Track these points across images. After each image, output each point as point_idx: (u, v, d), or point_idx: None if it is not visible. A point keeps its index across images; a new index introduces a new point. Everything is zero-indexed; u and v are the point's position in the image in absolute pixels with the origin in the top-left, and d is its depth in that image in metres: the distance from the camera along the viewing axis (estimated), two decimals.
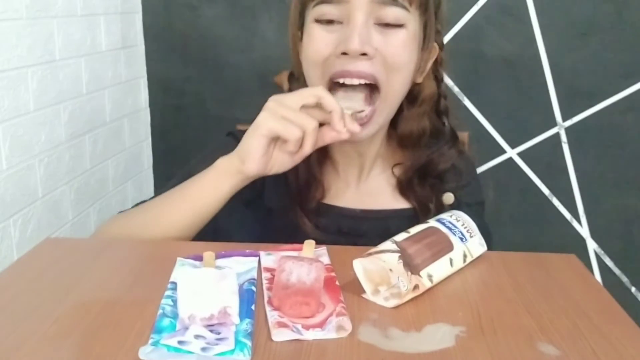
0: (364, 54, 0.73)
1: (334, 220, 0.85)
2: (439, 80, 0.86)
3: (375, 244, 0.65)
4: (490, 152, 1.96)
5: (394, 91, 0.77)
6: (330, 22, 0.75)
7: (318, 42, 0.76)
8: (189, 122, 2.02)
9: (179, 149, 2.03)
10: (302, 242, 0.66)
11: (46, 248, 0.73)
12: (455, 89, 1.91)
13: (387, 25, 0.74)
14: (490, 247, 0.88)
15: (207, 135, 1.96)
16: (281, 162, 0.74)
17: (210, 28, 1.95)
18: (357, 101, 0.76)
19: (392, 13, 0.74)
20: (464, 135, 1.08)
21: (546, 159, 1.94)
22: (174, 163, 2.05)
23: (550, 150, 1.93)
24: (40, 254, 0.71)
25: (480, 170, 1.94)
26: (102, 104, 1.75)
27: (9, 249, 1.33)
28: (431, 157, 0.85)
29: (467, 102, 1.92)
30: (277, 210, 0.84)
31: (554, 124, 1.92)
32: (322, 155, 0.85)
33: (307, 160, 0.77)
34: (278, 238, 0.73)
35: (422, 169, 0.86)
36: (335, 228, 0.84)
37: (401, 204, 0.87)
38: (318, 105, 0.71)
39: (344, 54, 0.73)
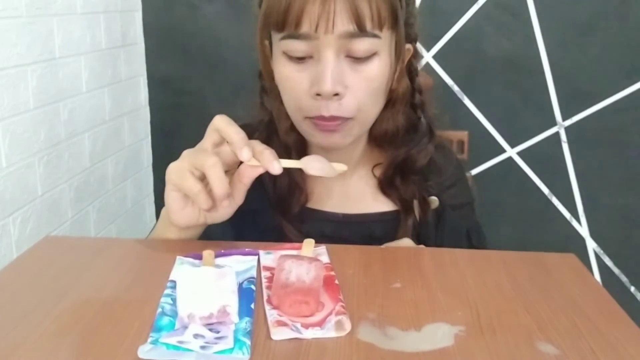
0: (336, 94, 0.70)
1: (316, 224, 0.83)
2: (413, 75, 0.83)
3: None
4: (490, 152, 1.96)
5: (370, 112, 0.76)
6: (300, 58, 0.71)
7: (290, 81, 0.73)
8: (188, 120, 2.02)
9: (179, 147, 2.01)
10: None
11: (45, 246, 0.73)
12: (455, 88, 1.91)
13: (359, 58, 0.71)
14: (484, 245, 0.88)
15: None
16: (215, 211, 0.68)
17: (210, 26, 1.95)
18: (326, 163, 0.69)
19: (363, 46, 0.70)
20: (463, 135, 1.08)
21: (546, 159, 1.94)
22: (173, 161, 2.05)
23: (550, 149, 1.93)
24: (39, 252, 0.70)
25: (480, 169, 1.95)
26: (101, 102, 1.75)
27: (8, 247, 1.33)
28: (410, 153, 0.83)
29: (467, 101, 1.92)
30: (258, 211, 0.81)
31: (553, 123, 1.92)
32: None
33: None
34: (261, 238, 0.70)
35: (401, 166, 0.83)
36: (318, 233, 0.81)
37: (384, 206, 0.85)
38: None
39: (318, 94, 0.71)
